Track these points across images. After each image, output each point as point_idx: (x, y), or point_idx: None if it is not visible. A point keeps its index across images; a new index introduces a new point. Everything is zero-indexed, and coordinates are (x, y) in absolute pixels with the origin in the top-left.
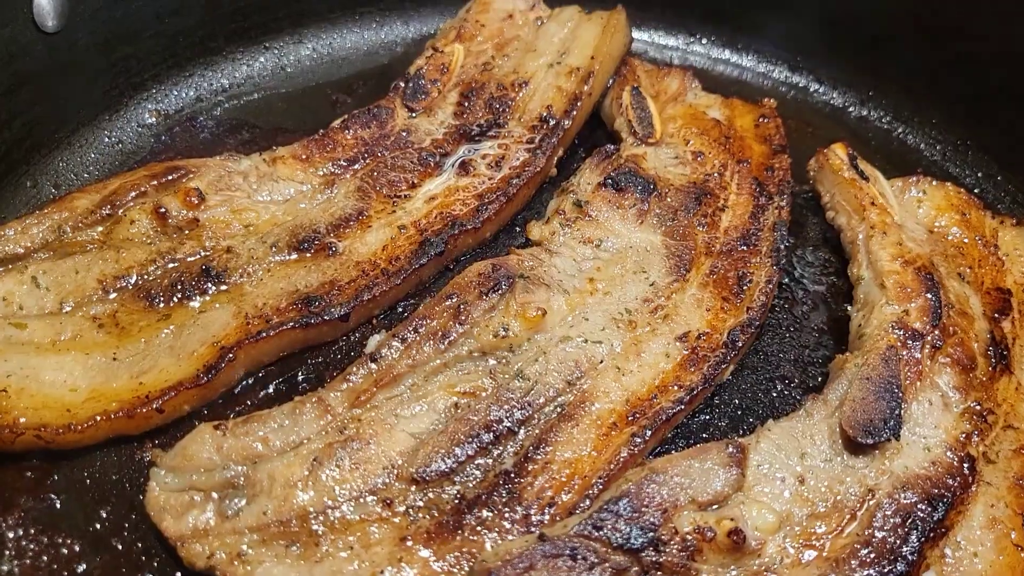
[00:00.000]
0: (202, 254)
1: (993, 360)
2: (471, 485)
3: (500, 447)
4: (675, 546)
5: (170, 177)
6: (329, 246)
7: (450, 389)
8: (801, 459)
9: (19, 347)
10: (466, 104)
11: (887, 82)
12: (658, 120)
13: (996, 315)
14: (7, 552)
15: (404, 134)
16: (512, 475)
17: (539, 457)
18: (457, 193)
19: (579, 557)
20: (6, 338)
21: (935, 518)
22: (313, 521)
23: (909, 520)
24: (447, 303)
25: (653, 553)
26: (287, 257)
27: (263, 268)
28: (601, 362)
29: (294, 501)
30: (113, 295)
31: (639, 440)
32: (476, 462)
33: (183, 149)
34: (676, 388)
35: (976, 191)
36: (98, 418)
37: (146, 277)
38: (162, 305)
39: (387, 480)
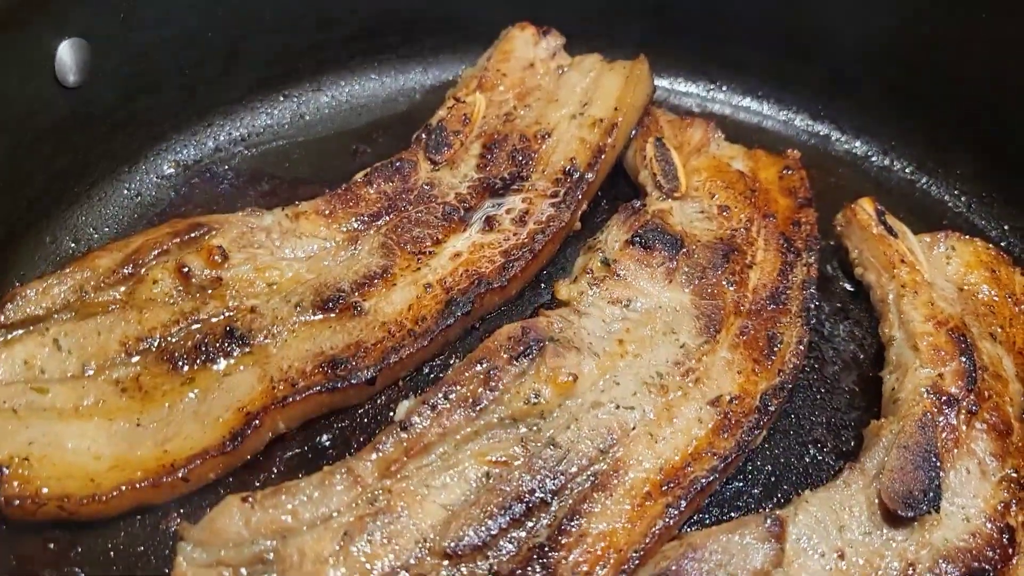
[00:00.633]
0: (226, 314)
1: None
2: (505, 559)
3: (533, 519)
4: None
5: (193, 235)
6: (354, 305)
7: (481, 458)
8: (840, 532)
9: (41, 413)
10: (489, 156)
11: (910, 131)
12: (683, 173)
13: None
14: None
15: (427, 187)
16: (546, 548)
17: (573, 529)
18: (482, 250)
19: None
20: (28, 403)
21: None
22: None
23: None
24: (477, 368)
25: None
26: (312, 317)
27: (287, 329)
28: (633, 428)
29: None
30: (136, 358)
31: (674, 511)
32: (509, 535)
33: (202, 201)
34: (710, 455)
35: (1002, 244)
36: (123, 488)
37: (169, 339)
38: (186, 368)
39: (419, 555)
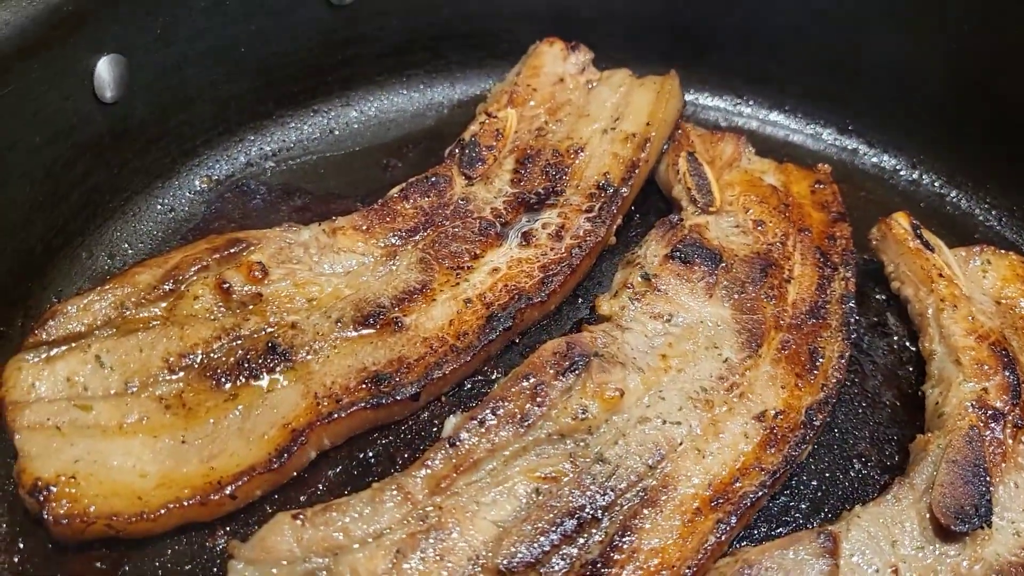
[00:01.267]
0: (267, 330)
1: None
2: None
3: (585, 535)
4: None
5: (232, 250)
6: (395, 321)
7: (530, 474)
8: (893, 547)
9: (85, 430)
10: (523, 171)
11: (939, 145)
12: (716, 187)
13: None
14: None
15: (463, 203)
16: (599, 564)
17: (625, 545)
18: (521, 265)
19: None
20: (72, 421)
21: None
22: None
23: None
24: (524, 384)
25: None
26: (353, 332)
27: (329, 344)
28: (680, 444)
29: None
30: (179, 374)
31: (725, 527)
32: (561, 551)
33: (235, 216)
34: (758, 470)
35: None
36: (171, 505)
37: (211, 355)
38: (228, 384)
39: (472, 571)
